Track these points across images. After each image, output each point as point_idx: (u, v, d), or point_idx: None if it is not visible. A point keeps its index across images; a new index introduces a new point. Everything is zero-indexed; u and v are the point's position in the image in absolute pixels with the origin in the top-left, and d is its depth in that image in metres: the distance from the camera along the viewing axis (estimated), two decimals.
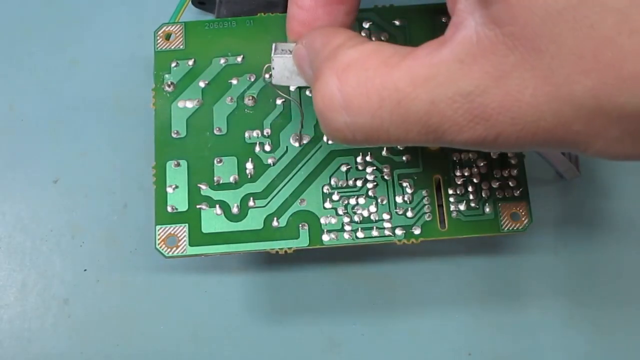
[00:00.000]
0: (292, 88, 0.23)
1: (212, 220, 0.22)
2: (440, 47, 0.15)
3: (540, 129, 0.14)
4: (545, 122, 0.14)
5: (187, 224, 0.22)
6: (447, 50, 0.15)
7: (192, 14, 0.28)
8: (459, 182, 0.23)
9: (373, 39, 0.24)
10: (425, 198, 0.23)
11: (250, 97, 0.24)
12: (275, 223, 0.22)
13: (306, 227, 0.22)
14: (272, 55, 0.20)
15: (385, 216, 0.23)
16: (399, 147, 0.23)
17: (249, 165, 0.23)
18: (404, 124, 0.16)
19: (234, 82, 0.24)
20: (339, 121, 0.17)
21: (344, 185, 0.23)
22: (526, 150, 0.16)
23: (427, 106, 0.15)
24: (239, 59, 0.24)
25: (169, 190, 0.23)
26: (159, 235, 0.22)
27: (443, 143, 0.16)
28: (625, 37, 0.13)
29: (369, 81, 0.16)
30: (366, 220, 0.23)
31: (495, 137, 0.15)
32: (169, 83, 0.24)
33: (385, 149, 0.23)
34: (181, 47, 0.24)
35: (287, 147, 0.23)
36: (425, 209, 0.23)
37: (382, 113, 0.16)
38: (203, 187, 0.23)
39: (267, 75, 0.24)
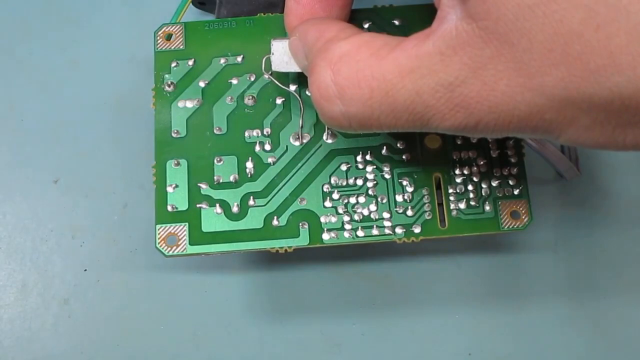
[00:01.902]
0: (292, 87, 0.24)
1: (212, 220, 0.22)
2: (425, 39, 0.16)
3: (515, 117, 0.15)
4: (519, 110, 0.15)
5: (187, 223, 0.22)
6: (430, 42, 0.16)
7: (192, 14, 0.28)
8: (458, 181, 0.23)
9: None
10: (425, 197, 0.23)
11: (250, 97, 0.24)
12: (275, 222, 0.22)
13: (306, 226, 0.22)
14: (272, 41, 0.22)
15: (386, 215, 0.23)
16: (398, 145, 0.23)
17: (249, 165, 0.23)
18: (393, 112, 0.17)
19: (234, 82, 0.24)
20: (335, 110, 0.18)
21: (344, 184, 0.23)
22: (505, 135, 0.17)
23: (413, 96, 0.16)
24: (239, 59, 0.24)
25: (169, 189, 0.23)
26: (159, 234, 0.22)
27: (429, 129, 0.17)
28: (592, 32, 0.13)
29: (360, 72, 0.17)
30: (366, 219, 0.23)
31: (475, 124, 0.16)
32: (169, 83, 0.24)
33: (385, 147, 0.23)
34: (181, 47, 0.24)
35: (287, 146, 0.23)
36: (425, 208, 0.23)
37: (372, 102, 0.17)
38: (203, 186, 0.23)
39: (266, 75, 0.24)
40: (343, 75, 0.17)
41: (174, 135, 0.23)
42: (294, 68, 0.22)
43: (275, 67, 0.22)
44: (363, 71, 0.17)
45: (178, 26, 0.25)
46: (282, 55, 0.22)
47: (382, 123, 0.17)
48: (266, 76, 0.24)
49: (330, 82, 0.17)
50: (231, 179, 0.23)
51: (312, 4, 0.21)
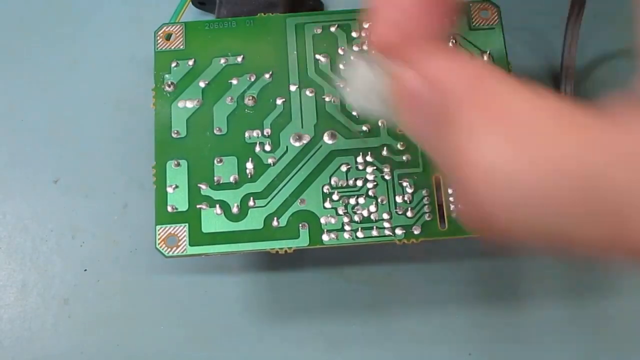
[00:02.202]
0: (292, 88, 0.23)
1: (212, 220, 0.22)
2: None
3: None
4: None
5: (187, 224, 0.22)
6: None
7: (192, 14, 0.28)
8: None
9: None
10: (425, 198, 0.23)
11: (250, 97, 0.24)
12: (275, 223, 0.22)
13: (306, 227, 0.22)
14: (354, 58, 0.15)
15: (385, 216, 0.22)
16: (398, 146, 0.23)
17: (249, 165, 0.23)
18: (585, 213, 0.12)
19: (234, 82, 0.24)
20: (497, 201, 0.12)
21: (344, 185, 0.23)
22: None
23: (624, 193, 0.11)
24: (239, 59, 0.24)
25: (169, 190, 0.23)
26: (159, 235, 0.22)
27: (629, 252, 0.12)
28: None
29: (547, 151, 0.12)
30: (366, 220, 0.23)
31: None
32: (169, 83, 0.24)
33: (385, 148, 0.23)
34: (181, 47, 0.24)
35: (287, 147, 0.23)
36: (425, 209, 0.23)
37: (558, 194, 0.12)
38: (203, 187, 0.23)
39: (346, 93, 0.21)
40: (524, 152, 0.12)
41: (174, 135, 0.23)
42: (373, 108, 0.15)
43: (352, 100, 0.16)
44: (552, 149, 0.12)
45: (178, 26, 0.25)
46: (363, 89, 0.15)
47: (555, 227, 0.12)
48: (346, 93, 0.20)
49: (501, 161, 0.12)
50: (231, 179, 0.23)
51: (418, 8, 0.14)
